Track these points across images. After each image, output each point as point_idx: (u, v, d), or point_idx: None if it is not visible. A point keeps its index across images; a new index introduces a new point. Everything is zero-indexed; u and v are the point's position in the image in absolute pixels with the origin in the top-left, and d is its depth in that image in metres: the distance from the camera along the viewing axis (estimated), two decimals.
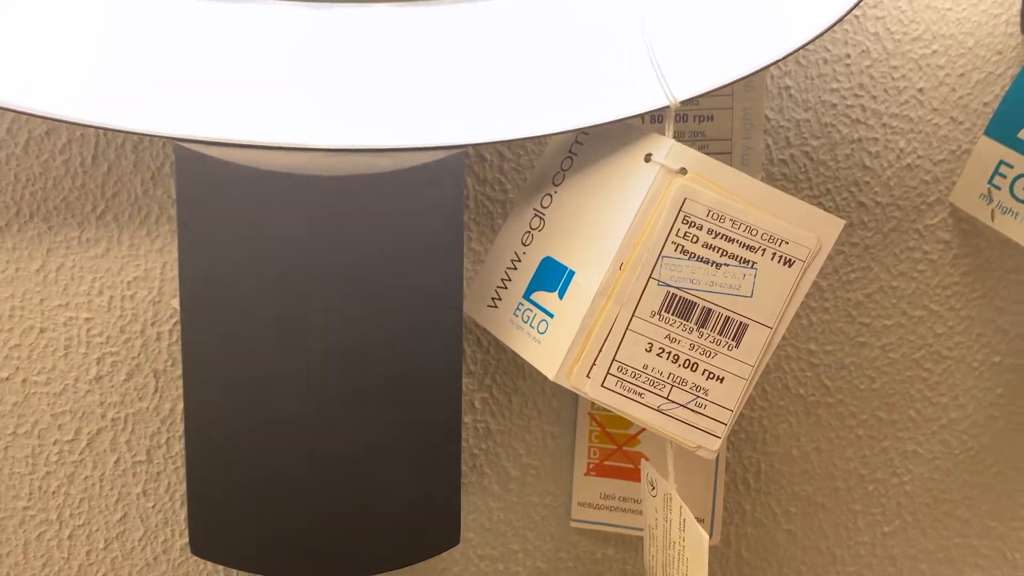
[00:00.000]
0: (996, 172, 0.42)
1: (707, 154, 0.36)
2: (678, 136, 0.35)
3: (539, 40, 0.35)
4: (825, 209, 0.42)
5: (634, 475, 0.44)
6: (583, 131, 0.36)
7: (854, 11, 0.40)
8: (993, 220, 0.42)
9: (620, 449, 0.44)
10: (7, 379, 0.40)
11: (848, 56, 0.43)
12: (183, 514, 0.42)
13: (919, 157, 0.44)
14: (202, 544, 0.36)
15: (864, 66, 0.43)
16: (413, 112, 0.34)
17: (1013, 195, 0.41)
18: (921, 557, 0.48)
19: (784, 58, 0.32)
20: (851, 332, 0.45)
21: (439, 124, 0.34)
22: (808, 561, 0.47)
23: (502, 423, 0.44)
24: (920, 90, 0.43)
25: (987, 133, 0.42)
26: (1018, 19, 0.43)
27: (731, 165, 0.39)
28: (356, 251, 0.34)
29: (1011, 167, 0.41)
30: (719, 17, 0.34)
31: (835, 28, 0.40)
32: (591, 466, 0.45)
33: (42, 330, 0.39)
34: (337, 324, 0.34)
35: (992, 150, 0.42)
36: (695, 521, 0.35)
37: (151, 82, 0.33)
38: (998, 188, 0.42)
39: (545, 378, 0.34)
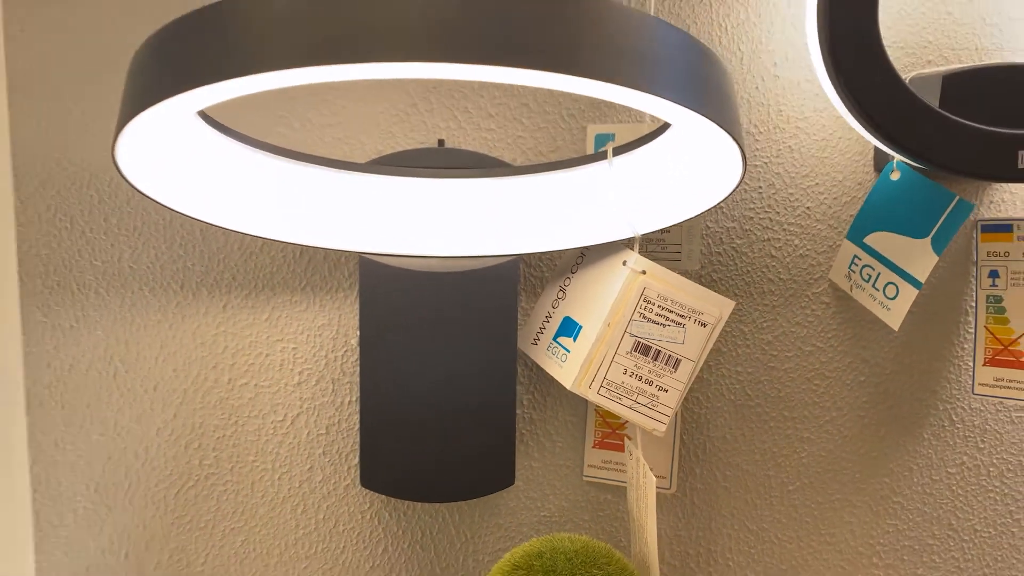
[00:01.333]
0: (851, 262, 0.64)
1: (665, 252, 0.59)
2: (647, 244, 0.59)
3: (561, 198, 0.59)
4: (745, 283, 0.65)
5: (623, 448, 0.68)
6: (586, 248, 0.59)
7: (765, 158, 0.63)
8: (852, 292, 0.65)
9: (614, 431, 0.68)
10: (245, 384, 0.64)
11: (760, 187, 0.65)
12: (348, 465, 0.66)
13: (808, 250, 0.66)
14: (367, 479, 0.60)
15: (771, 193, 0.65)
16: (490, 236, 0.59)
17: (861, 277, 0.64)
18: (814, 507, 0.68)
19: (699, 214, 0.55)
20: (764, 360, 0.68)
21: (504, 243, 0.58)
22: (737, 508, 0.68)
23: (540, 414, 0.67)
24: (807, 208, 0.65)
25: (847, 237, 0.64)
26: (871, 163, 0.66)
27: (681, 260, 0.63)
28: (456, 311, 0.59)
29: (860, 259, 0.63)
30: (666, 194, 0.58)
31: (751, 169, 0.63)
32: (596, 442, 0.68)
33: (267, 355, 0.64)
34: (445, 352, 0.59)
35: (848, 248, 0.64)
36: (650, 473, 0.59)
37: (343, 219, 0.58)
38: (854, 271, 0.64)
39: (565, 388, 0.58)
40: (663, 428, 0.56)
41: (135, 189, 0.41)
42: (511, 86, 0.62)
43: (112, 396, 0.61)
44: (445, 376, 0.57)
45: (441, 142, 0.59)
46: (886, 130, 0.50)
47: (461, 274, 0.57)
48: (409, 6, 0.30)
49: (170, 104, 0.33)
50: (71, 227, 0.60)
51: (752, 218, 0.63)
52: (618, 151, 0.53)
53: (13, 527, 0.62)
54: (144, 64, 0.34)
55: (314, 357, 0.62)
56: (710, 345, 0.55)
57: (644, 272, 0.55)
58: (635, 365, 0.56)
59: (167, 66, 0.33)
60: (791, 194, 0.63)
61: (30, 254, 0.60)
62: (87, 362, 0.61)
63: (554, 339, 0.59)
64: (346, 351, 0.62)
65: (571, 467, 0.65)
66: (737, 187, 0.51)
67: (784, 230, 0.63)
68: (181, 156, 0.45)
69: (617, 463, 0.65)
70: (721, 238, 0.63)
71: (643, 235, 0.57)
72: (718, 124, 0.37)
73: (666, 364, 0.55)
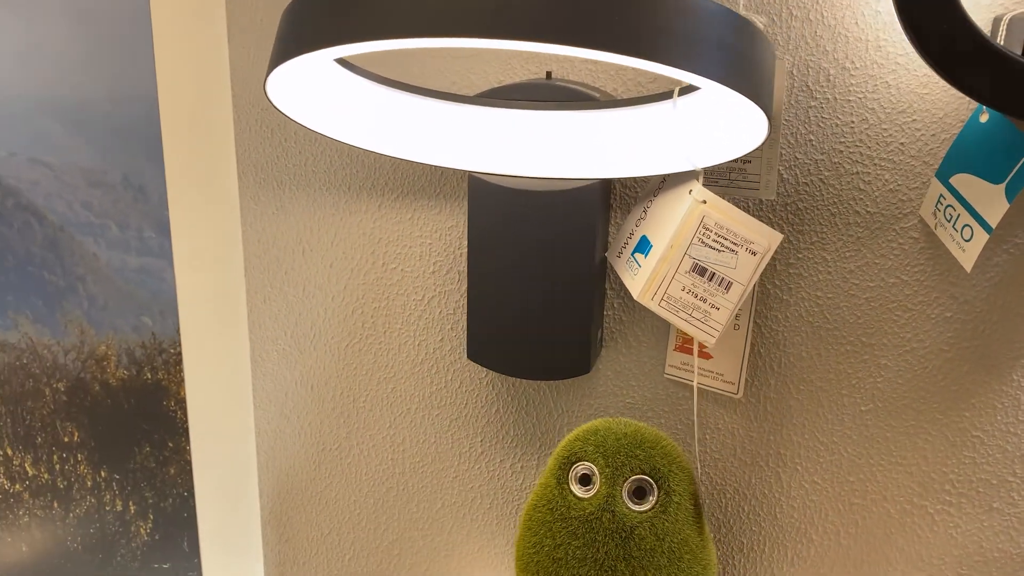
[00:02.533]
0: (937, 201, 0.64)
1: (746, 181, 0.65)
2: (729, 172, 0.64)
3: (643, 130, 0.65)
4: (831, 213, 0.67)
5: (701, 351, 0.75)
6: (666, 175, 0.66)
7: (860, 93, 0.64)
8: (936, 230, 0.65)
9: (690, 339, 0.75)
10: (394, 268, 0.80)
11: (852, 122, 0.66)
12: (456, 343, 0.81)
13: (899, 185, 0.66)
14: (473, 353, 0.74)
15: (863, 128, 0.66)
16: (579, 161, 0.67)
17: (944, 216, 0.63)
18: (886, 429, 0.69)
19: (749, 153, 0.59)
20: (845, 288, 0.70)
21: (590, 168, 0.66)
22: (808, 420, 0.71)
23: (629, 316, 0.76)
24: (901, 144, 0.65)
25: (935, 175, 0.64)
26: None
27: (759, 189, 0.67)
28: (546, 224, 0.69)
29: (944, 199, 0.63)
30: (724, 133, 0.61)
31: (844, 102, 0.65)
32: (677, 345, 0.76)
33: (409, 247, 0.79)
34: (536, 257, 0.69)
35: (936, 186, 0.63)
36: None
37: (456, 143, 0.69)
38: (939, 210, 0.64)
39: None
40: (713, 340, 0.63)
41: (283, 114, 0.55)
42: None
43: (301, 268, 0.80)
44: (535, 275, 0.68)
45: (549, 74, 0.68)
46: (944, 65, 0.51)
47: (552, 193, 0.66)
48: None
49: (309, 56, 0.44)
50: (271, 136, 0.77)
51: (842, 151, 0.65)
52: (683, 92, 0.59)
53: (237, 360, 0.85)
54: (293, 17, 0.45)
55: (444, 251, 0.75)
56: (759, 272, 0.60)
57: (705, 202, 0.61)
58: (692, 284, 0.63)
59: (309, 24, 0.44)
60: (885, 129, 0.64)
61: (244, 156, 0.78)
62: (284, 241, 0.79)
63: (632, 254, 0.67)
64: (465, 246, 0.75)
65: (654, 364, 0.74)
66: (765, 141, 0.55)
67: (875, 164, 0.65)
68: (320, 88, 0.58)
69: (689, 366, 0.73)
70: (809, 169, 0.66)
71: (726, 164, 0.63)
72: (741, 92, 0.43)
73: (719, 285, 0.62)
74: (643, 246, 0.65)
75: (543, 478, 0.67)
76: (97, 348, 0.90)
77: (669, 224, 0.63)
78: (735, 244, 0.60)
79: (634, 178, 0.69)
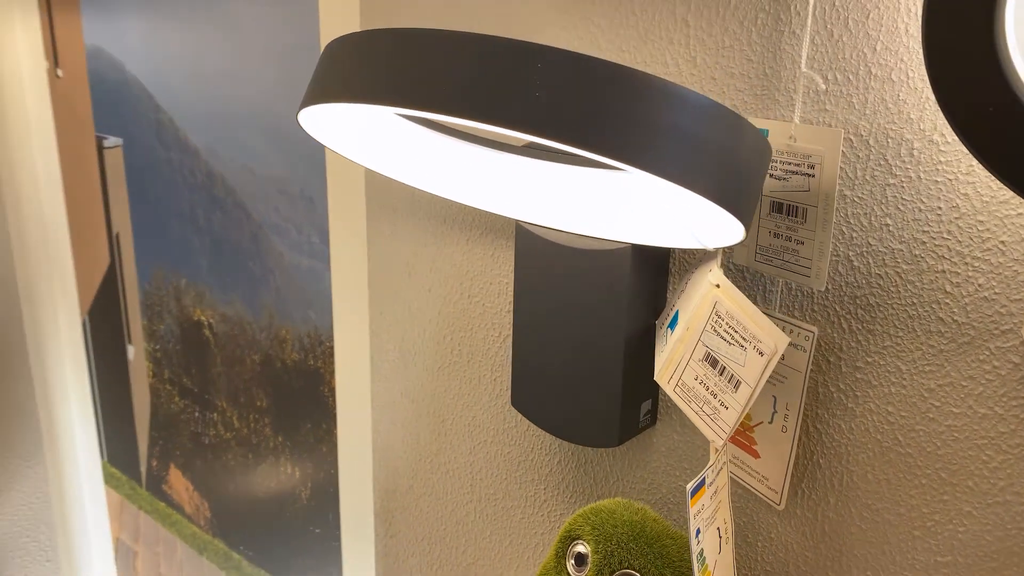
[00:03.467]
0: None
1: (797, 265, 0.55)
2: (782, 253, 0.56)
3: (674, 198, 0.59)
4: (908, 316, 0.55)
5: (747, 448, 0.65)
6: (710, 248, 0.58)
7: (951, 173, 0.51)
8: None
9: (744, 431, 0.66)
10: (478, 301, 0.82)
11: (939, 208, 0.52)
12: (503, 387, 0.80)
13: (996, 293, 0.51)
14: (515, 400, 0.73)
15: (953, 217, 0.51)
16: (612, 223, 0.63)
17: None
18: None
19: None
20: (922, 408, 0.56)
21: (620, 231, 0.62)
22: (872, 556, 0.59)
23: None
24: (1002, 242, 0.50)
25: None
26: None
27: (810, 276, 0.56)
28: (580, 281, 0.65)
29: None
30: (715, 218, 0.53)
31: (930, 183, 0.52)
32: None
33: (491, 283, 0.79)
34: (569, 314, 0.66)
35: None
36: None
37: (506, 190, 0.68)
38: None
39: None
40: (720, 441, 0.56)
41: (321, 144, 0.60)
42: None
43: (407, 289, 0.85)
44: (570, 334, 0.66)
45: None
46: (992, 159, 0.40)
47: (589, 252, 0.63)
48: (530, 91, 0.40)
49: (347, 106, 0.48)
50: None
51: (925, 243, 0.53)
52: None
53: (358, 362, 0.93)
54: (337, 59, 0.49)
55: (496, 295, 0.75)
56: (766, 376, 0.52)
57: (718, 286, 0.55)
58: (704, 374, 0.56)
59: (354, 75, 0.48)
60: (981, 221, 0.50)
61: (371, 179, 0.85)
62: (395, 262, 0.85)
63: (667, 327, 0.62)
64: (510, 295, 0.74)
65: (706, 451, 0.67)
66: (739, 243, 0.48)
67: (966, 264, 0.51)
68: (362, 124, 0.62)
69: (738, 460, 0.64)
70: (884, 259, 0.55)
71: (779, 243, 0.55)
72: (713, 200, 0.40)
73: (729, 382, 0.55)
74: (674, 322, 0.60)
75: (550, 550, 0.65)
76: (279, 331, 1.04)
77: (692, 303, 0.57)
78: (744, 339, 0.53)
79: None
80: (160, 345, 1.29)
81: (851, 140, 0.54)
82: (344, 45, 0.45)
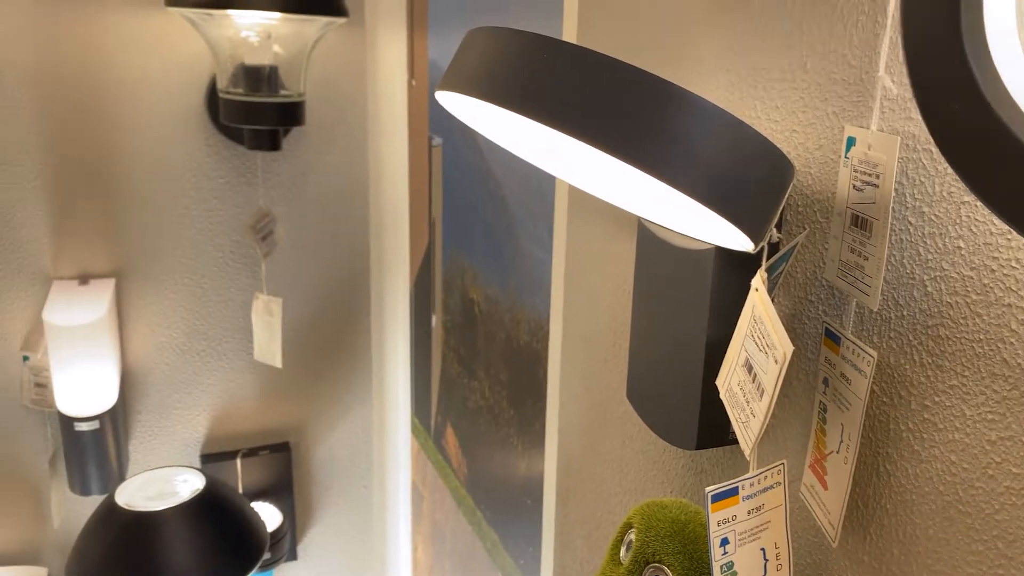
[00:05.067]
0: None
1: (862, 283, 0.52)
2: (851, 270, 0.53)
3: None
4: (976, 353, 0.47)
5: (823, 480, 0.59)
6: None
7: None
8: None
9: (823, 456, 0.60)
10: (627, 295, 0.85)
11: (1010, 233, 0.43)
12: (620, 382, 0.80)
13: None
14: (629, 392, 0.76)
15: (1022, 243, 0.43)
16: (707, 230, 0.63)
17: None
18: None
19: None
20: (983, 462, 0.46)
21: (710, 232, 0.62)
22: None
23: (781, 410, 0.64)
24: None
25: None
26: None
27: (869, 295, 0.51)
28: (677, 278, 0.66)
29: None
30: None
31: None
32: (810, 461, 0.61)
33: (631, 292, 0.82)
34: (665, 313, 0.67)
35: None
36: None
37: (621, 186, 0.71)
38: None
39: None
40: (746, 449, 0.55)
41: (466, 124, 0.70)
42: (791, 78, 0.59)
43: (589, 280, 0.91)
44: (667, 334, 0.67)
45: None
46: (967, 176, 0.38)
47: (689, 251, 0.65)
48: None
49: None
50: None
51: (995, 271, 0.46)
52: None
53: (558, 348, 1.01)
54: (493, 55, 0.62)
55: (618, 297, 0.78)
56: (778, 386, 0.51)
57: (757, 290, 0.54)
58: (742, 380, 0.56)
59: (505, 78, 0.61)
60: None
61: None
62: (583, 254, 0.92)
63: None
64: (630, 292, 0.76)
65: (794, 475, 0.63)
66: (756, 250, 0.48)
67: None
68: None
69: (813, 488, 0.60)
70: (955, 287, 0.48)
71: (849, 257, 0.53)
72: (730, 219, 0.46)
73: (757, 390, 0.54)
74: None
75: (614, 533, 0.69)
76: (517, 314, 1.17)
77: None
78: (768, 346, 0.53)
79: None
80: (450, 317, 1.50)
81: (930, 151, 0.49)
82: (478, 38, 0.53)
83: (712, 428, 0.65)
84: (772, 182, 0.47)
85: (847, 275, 0.54)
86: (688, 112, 0.45)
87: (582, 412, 0.96)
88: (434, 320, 1.61)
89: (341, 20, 1.36)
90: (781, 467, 0.57)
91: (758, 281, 0.53)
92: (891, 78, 0.50)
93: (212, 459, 1.69)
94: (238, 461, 1.70)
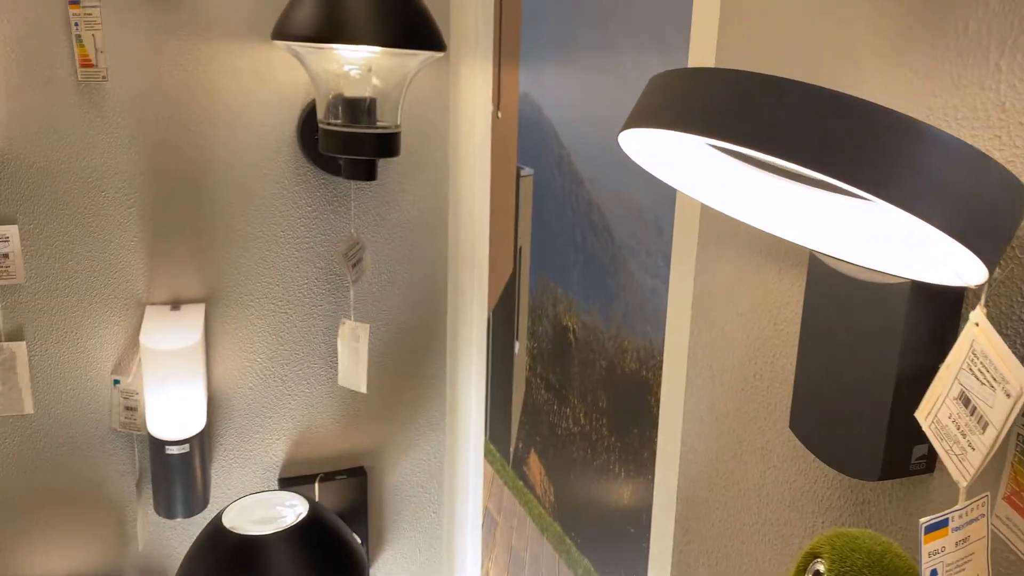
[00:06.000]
0: None
1: None
2: None
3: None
4: None
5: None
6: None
7: None
8: None
9: (1019, 491, 0.60)
10: (783, 330, 0.85)
11: None
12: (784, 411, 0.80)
13: None
14: (794, 423, 0.76)
15: None
16: (893, 260, 0.63)
17: None
18: None
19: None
20: None
21: (900, 267, 0.63)
22: None
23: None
24: None
25: None
26: None
27: None
28: (866, 311, 0.67)
29: None
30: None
31: None
32: (1005, 494, 0.62)
33: (798, 313, 0.83)
34: (847, 349, 0.68)
35: None
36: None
37: (804, 223, 0.72)
38: None
39: None
40: (964, 483, 0.56)
41: (643, 168, 0.71)
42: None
43: (723, 310, 0.92)
44: (847, 364, 0.68)
45: None
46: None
47: (873, 284, 0.66)
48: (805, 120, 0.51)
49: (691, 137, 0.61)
50: None
51: None
52: None
53: (678, 376, 1.02)
54: (665, 90, 0.63)
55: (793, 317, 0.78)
56: (1012, 419, 0.52)
57: (977, 324, 0.55)
58: (957, 413, 0.57)
59: (704, 109, 0.61)
60: None
61: (705, 214, 0.94)
62: (717, 285, 0.93)
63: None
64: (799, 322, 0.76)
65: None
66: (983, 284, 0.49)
67: None
68: (676, 153, 0.73)
69: (1011, 521, 0.60)
70: None
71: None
72: (970, 248, 0.47)
73: (978, 423, 0.55)
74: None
75: (792, 566, 0.69)
76: (623, 342, 1.18)
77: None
78: (995, 380, 0.53)
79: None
80: (537, 343, 1.51)
81: None
82: (695, 76, 0.55)
83: (894, 460, 0.66)
84: (1011, 209, 0.48)
85: None
86: (928, 143, 0.47)
87: (709, 441, 0.96)
88: (517, 347, 1.62)
89: (439, 54, 1.38)
90: (986, 499, 0.57)
91: (979, 315, 0.54)
92: None
93: (290, 483, 1.70)
94: (316, 485, 1.71)
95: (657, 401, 1.11)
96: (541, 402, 1.51)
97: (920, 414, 0.59)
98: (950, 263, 0.56)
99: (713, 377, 0.94)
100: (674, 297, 1.03)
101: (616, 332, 1.22)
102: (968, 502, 0.57)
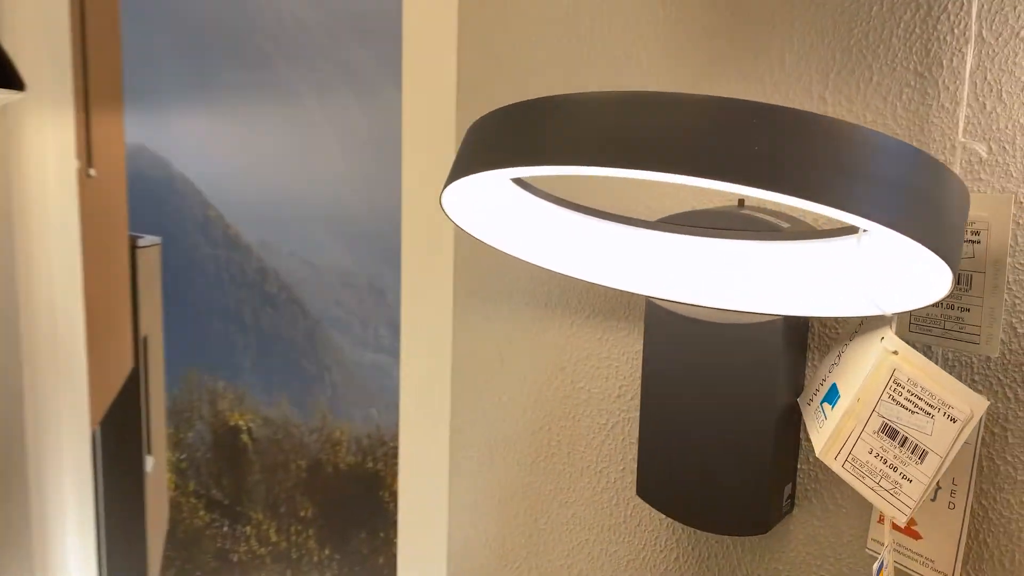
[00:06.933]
0: None
1: (963, 332, 0.55)
2: (943, 321, 0.55)
3: (830, 266, 0.59)
4: None
5: (910, 531, 0.63)
6: (865, 318, 0.58)
7: None
8: None
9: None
10: (581, 387, 0.80)
11: None
12: (611, 480, 0.77)
13: None
14: (641, 490, 0.71)
15: None
16: (758, 295, 0.62)
17: None
18: None
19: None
20: None
21: (770, 303, 0.61)
22: None
23: (826, 474, 0.66)
24: None
25: None
26: None
27: (979, 343, 0.56)
28: (728, 360, 0.64)
29: None
30: (914, 276, 0.53)
31: None
32: (882, 516, 0.65)
33: (597, 367, 0.78)
34: (710, 394, 0.65)
35: None
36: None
37: (637, 266, 0.68)
38: None
39: None
40: (903, 517, 0.54)
41: (459, 227, 0.58)
42: None
43: (499, 378, 0.82)
44: (710, 414, 0.64)
45: (741, 201, 0.65)
46: None
47: (731, 327, 0.62)
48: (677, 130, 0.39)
49: (487, 175, 0.48)
50: (486, 252, 0.82)
51: None
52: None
53: (432, 461, 0.89)
54: (476, 136, 0.49)
55: (630, 376, 0.73)
56: (959, 444, 0.51)
57: (896, 352, 0.54)
58: (881, 447, 0.55)
59: (491, 144, 0.47)
60: None
61: (461, 268, 0.84)
62: (486, 350, 0.83)
63: (820, 403, 0.60)
64: (639, 376, 0.72)
65: (854, 535, 0.64)
66: (944, 297, 0.48)
67: None
68: (497, 205, 0.62)
69: (896, 543, 0.62)
70: None
71: (939, 312, 0.55)
72: (912, 238, 0.39)
73: (912, 453, 0.53)
74: (832, 396, 0.59)
75: None
76: (333, 433, 1.01)
77: (859, 374, 0.56)
78: (931, 406, 0.51)
79: (834, 317, 0.62)
80: (187, 454, 1.25)
81: (1022, 203, 0.55)
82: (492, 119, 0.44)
83: (772, 508, 0.63)
84: (962, 212, 0.46)
85: (931, 329, 0.57)
86: (874, 149, 0.43)
87: (492, 527, 0.85)
88: (150, 463, 1.30)
89: (18, 95, 1.06)
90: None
91: (895, 343, 0.54)
92: (980, 144, 0.55)
93: None
94: None
95: (392, 495, 0.96)
96: (201, 526, 1.24)
97: (827, 455, 0.57)
98: (866, 292, 0.55)
99: (491, 455, 0.84)
100: (412, 370, 0.90)
101: (321, 422, 1.04)
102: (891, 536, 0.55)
